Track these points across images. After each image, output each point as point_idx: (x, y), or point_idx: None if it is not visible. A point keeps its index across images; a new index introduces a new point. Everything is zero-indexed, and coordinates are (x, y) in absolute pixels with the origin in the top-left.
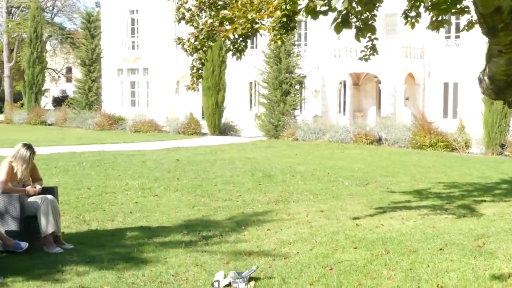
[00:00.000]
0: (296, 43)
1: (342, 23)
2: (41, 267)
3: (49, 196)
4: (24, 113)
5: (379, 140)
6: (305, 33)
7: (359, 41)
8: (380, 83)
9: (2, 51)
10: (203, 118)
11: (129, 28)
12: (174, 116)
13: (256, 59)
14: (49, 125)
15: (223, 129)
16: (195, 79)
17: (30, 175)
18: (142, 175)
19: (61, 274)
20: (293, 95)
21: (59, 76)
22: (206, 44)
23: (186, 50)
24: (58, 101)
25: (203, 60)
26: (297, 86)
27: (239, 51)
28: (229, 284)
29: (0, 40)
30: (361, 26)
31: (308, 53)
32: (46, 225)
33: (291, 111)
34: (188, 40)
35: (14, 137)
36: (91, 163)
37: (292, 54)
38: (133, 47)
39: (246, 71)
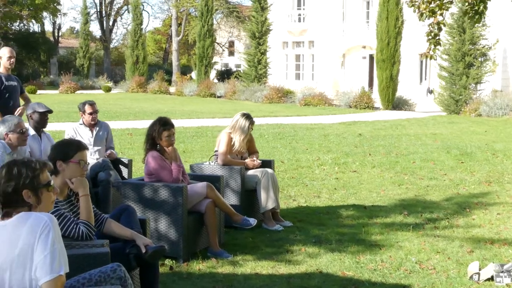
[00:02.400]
0: None
1: None
2: (267, 245)
3: (269, 170)
4: (194, 85)
5: None
6: None
7: None
8: None
9: (171, 26)
10: (369, 91)
11: (296, 0)
12: (339, 89)
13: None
14: (218, 97)
15: (396, 104)
16: (432, 46)
17: (247, 147)
18: (330, 150)
19: (291, 254)
20: (476, 68)
21: (223, 50)
22: (444, 6)
23: (421, 14)
24: (221, 74)
25: (441, 25)
26: (480, 59)
27: (478, 14)
28: (491, 278)
29: (168, 14)
30: None
31: (488, 24)
32: (266, 201)
33: (474, 85)
34: (423, 2)
35: (190, 109)
36: (273, 136)
37: (477, 24)
38: (299, 20)
39: (416, 43)
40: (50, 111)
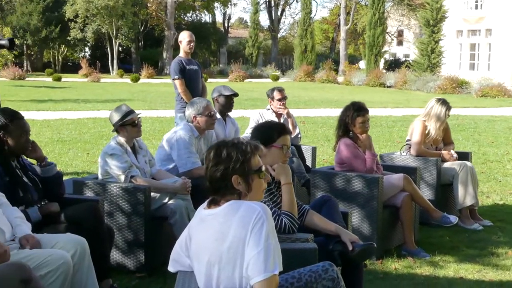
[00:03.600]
0: None
1: None
2: (468, 246)
3: (468, 163)
4: (363, 74)
5: None
6: None
7: None
8: None
9: (339, 15)
10: None
11: None
12: None
13: None
14: (387, 87)
15: None
16: None
17: (442, 136)
18: None
19: (497, 258)
20: None
21: (391, 39)
22: None
23: None
24: (390, 64)
25: None
26: None
27: None
28: None
29: (337, 3)
30: None
31: None
32: (464, 196)
33: None
34: None
35: (360, 98)
36: (452, 127)
37: None
38: (476, 7)
39: None
40: (236, 95)
